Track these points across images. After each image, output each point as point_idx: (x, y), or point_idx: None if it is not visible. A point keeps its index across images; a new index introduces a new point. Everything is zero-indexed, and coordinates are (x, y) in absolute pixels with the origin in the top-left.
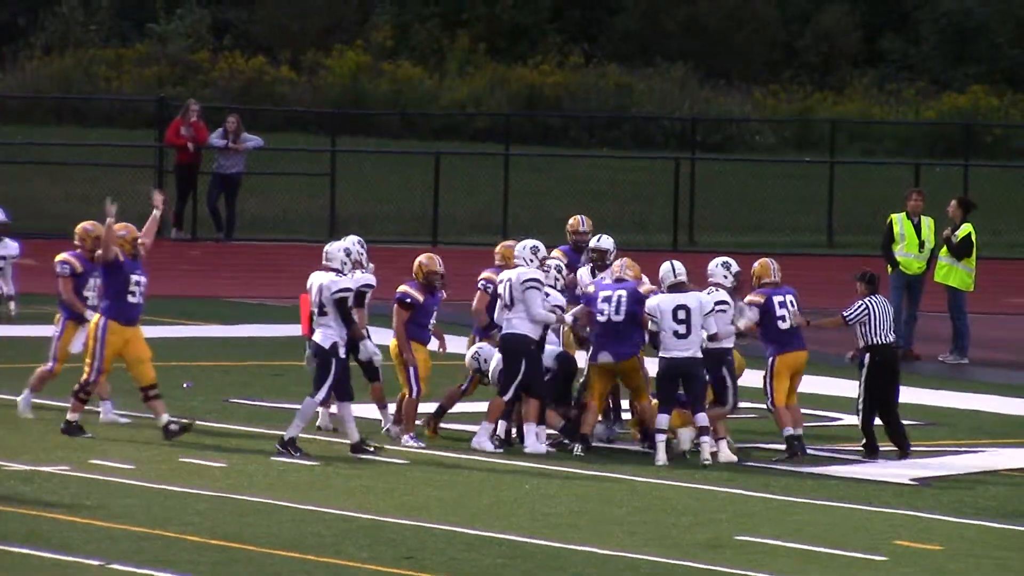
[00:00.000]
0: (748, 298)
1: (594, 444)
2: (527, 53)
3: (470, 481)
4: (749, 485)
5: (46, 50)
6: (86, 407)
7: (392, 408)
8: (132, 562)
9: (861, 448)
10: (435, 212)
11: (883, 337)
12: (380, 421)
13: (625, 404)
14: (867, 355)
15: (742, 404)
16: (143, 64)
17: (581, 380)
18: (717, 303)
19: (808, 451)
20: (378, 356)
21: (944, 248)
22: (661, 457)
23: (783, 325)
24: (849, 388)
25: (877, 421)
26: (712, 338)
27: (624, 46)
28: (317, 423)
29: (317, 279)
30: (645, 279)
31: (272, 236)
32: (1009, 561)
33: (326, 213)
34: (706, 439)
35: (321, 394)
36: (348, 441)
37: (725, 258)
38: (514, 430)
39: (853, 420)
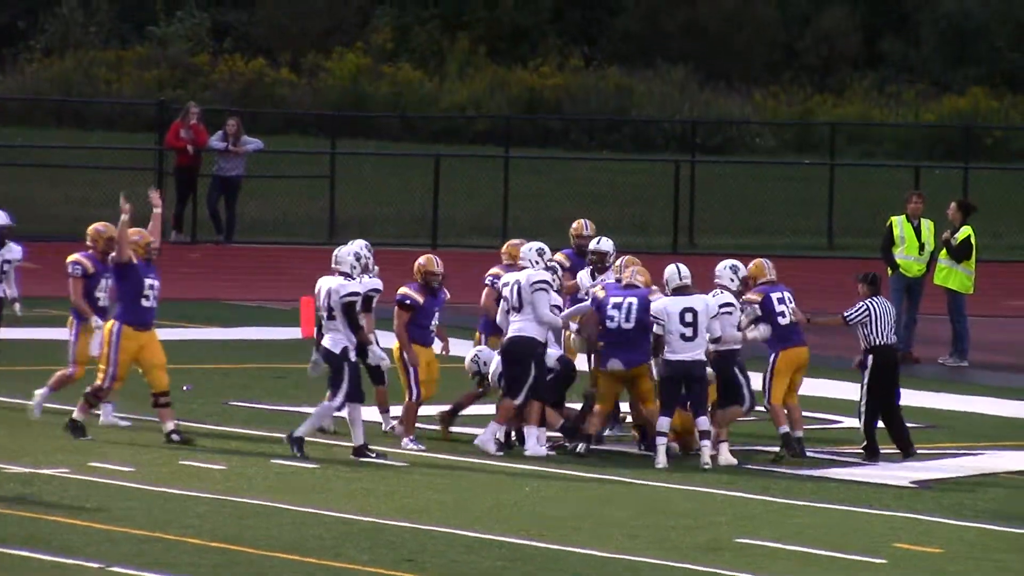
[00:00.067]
0: (745, 296)
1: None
2: (527, 55)
3: (470, 484)
4: (749, 488)
5: (46, 52)
6: (92, 410)
7: (398, 411)
8: (132, 565)
9: (861, 451)
10: (435, 214)
11: (884, 338)
12: (381, 424)
13: (624, 406)
14: (869, 357)
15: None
16: (143, 67)
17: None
18: (723, 305)
19: (808, 454)
20: (385, 361)
21: (944, 251)
22: (661, 460)
23: (783, 321)
24: (849, 391)
25: (879, 424)
26: (715, 341)
27: (624, 47)
28: (384, 428)
29: (325, 283)
30: (655, 288)
31: (272, 239)
32: (1009, 563)
33: (326, 216)
34: (706, 443)
35: (338, 399)
36: (350, 444)
37: (734, 262)
38: (514, 433)
39: (853, 423)
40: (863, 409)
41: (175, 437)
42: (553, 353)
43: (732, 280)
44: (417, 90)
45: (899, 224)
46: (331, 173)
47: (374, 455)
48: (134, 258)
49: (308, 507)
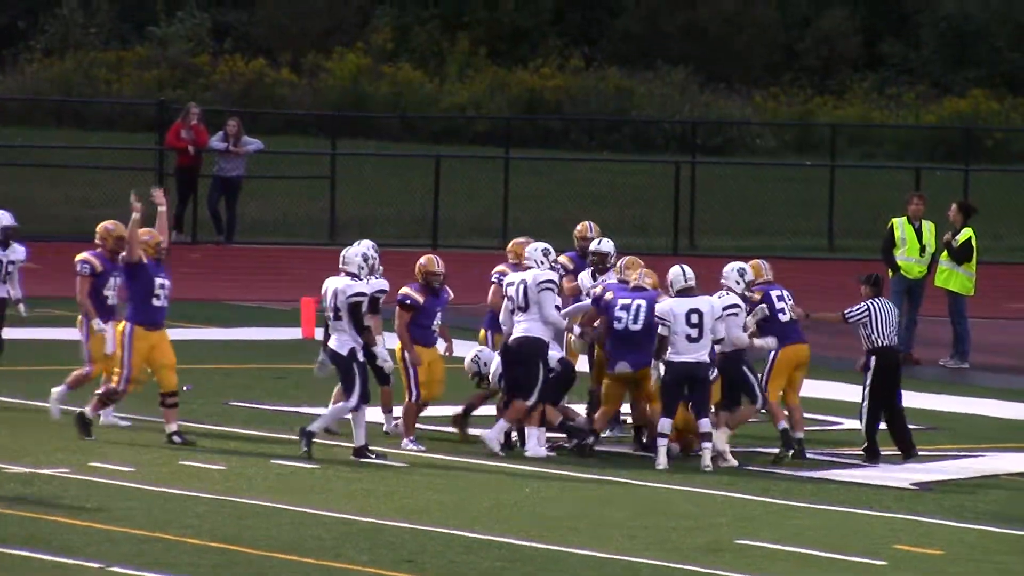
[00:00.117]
0: (744, 294)
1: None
2: (527, 56)
3: (470, 484)
4: (749, 489)
5: (46, 53)
6: (104, 408)
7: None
8: (132, 565)
9: (862, 452)
10: (435, 215)
11: (886, 340)
12: (382, 424)
13: (624, 407)
14: (871, 358)
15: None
16: (143, 67)
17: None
18: (729, 307)
19: (808, 455)
20: (389, 364)
21: (945, 252)
22: (662, 461)
23: (783, 317)
24: (850, 392)
25: (881, 425)
26: (718, 342)
27: (624, 48)
28: (384, 429)
29: (332, 284)
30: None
31: (272, 239)
32: (1009, 565)
33: (326, 216)
34: (707, 445)
35: (354, 400)
36: (350, 444)
37: (741, 264)
38: (515, 433)
39: (853, 425)
40: (864, 411)
41: (176, 439)
42: (554, 355)
43: (738, 283)
44: (417, 91)
45: (900, 226)
46: (331, 174)
47: (374, 456)
48: (144, 258)
49: (308, 507)
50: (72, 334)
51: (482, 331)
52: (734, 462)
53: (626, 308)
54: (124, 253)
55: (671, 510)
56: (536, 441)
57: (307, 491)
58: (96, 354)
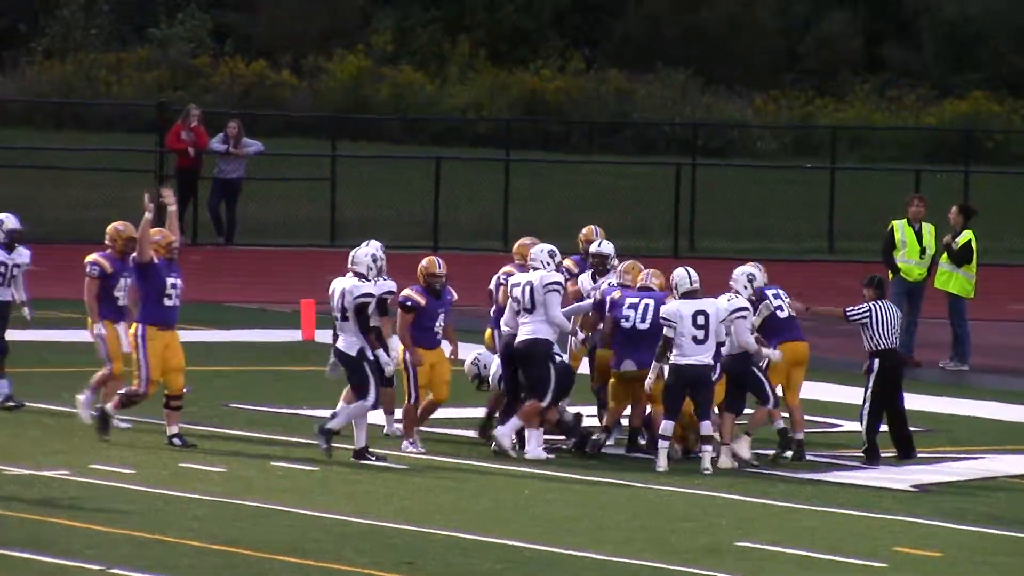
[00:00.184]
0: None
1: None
2: (528, 58)
3: (469, 486)
4: (749, 491)
5: (47, 55)
6: (124, 409)
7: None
8: (132, 567)
9: (861, 454)
10: (435, 217)
11: (888, 342)
12: (383, 426)
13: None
14: (874, 361)
15: (746, 411)
16: (144, 69)
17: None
18: (737, 309)
19: (808, 457)
20: (390, 367)
21: (945, 255)
22: (662, 463)
23: (781, 315)
24: (850, 394)
25: (882, 427)
26: (721, 344)
27: (625, 50)
28: (385, 431)
29: (339, 284)
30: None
31: (273, 241)
32: (1009, 567)
33: (327, 218)
34: (708, 447)
35: (371, 398)
36: (350, 446)
37: (751, 269)
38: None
39: (854, 426)
40: (866, 412)
41: (177, 441)
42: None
43: (745, 287)
44: (418, 92)
45: (900, 228)
46: (332, 175)
47: (374, 458)
48: (155, 258)
49: (307, 509)
50: (75, 336)
51: (488, 331)
52: (735, 464)
53: (634, 307)
54: (135, 253)
55: (671, 512)
56: (536, 443)
57: (307, 493)
58: (113, 352)
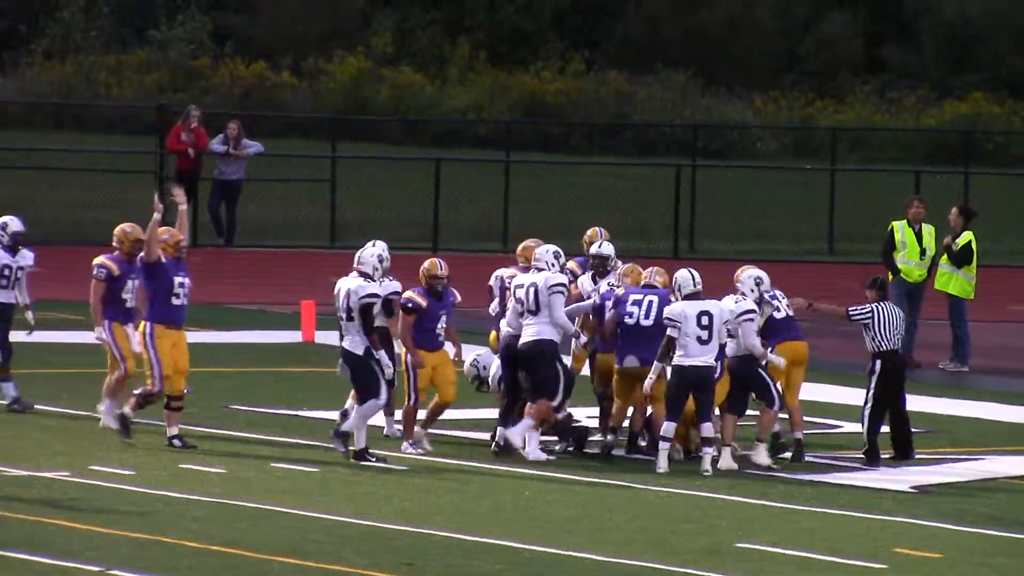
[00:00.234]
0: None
1: (589, 451)
2: (528, 59)
3: (469, 487)
4: (749, 492)
5: (47, 56)
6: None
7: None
8: (132, 568)
9: (862, 455)
10: (435, 219)
11: (891, 344)
12: (383, 427)
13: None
14: (877, 362)
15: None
16: (144, 70)
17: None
18: (745, 312)
19: (808, 458)
20: (390, 369)
21: (945, 256)
22: (662, 464)
23: (778, 315)
24: (849, 395)
25: (883, 428)
26: (721, 345)
27: (625, 51)
28: (385, 432)
29: (345, 284)
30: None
31: (273, 242)
32: (1009, 568)
33: (327, 219)
34: (709, 449)
35: (383, 396)
36: (351, 447)
37: (758, 273)
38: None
39: (854, 428)
40: (867, 413)
41: (176, 442)
42: None
43: (752, 290)
44: (418, 94)
45: (900, 229)
46: (332, 177)
47: (374, 459)
48: (163, 257)
49: (307, 511)
50: (76, 337)
51: (493, 333)
52: (734, 465)
53: (638, 303)
54: (143, 253)
55: (671, 513)
56: (535, 444)
57: (307, 494)
58: (125, 351)
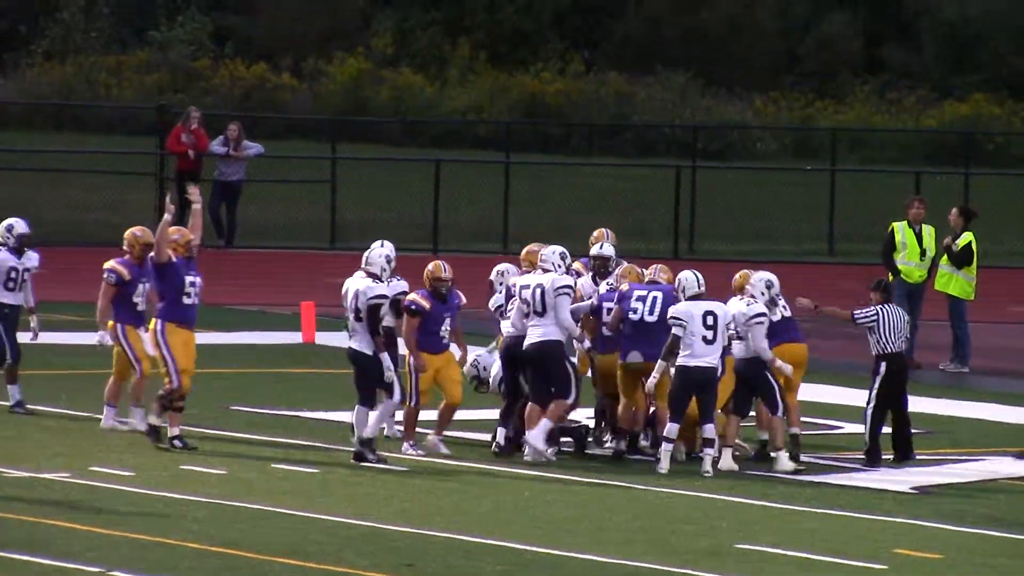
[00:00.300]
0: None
1: (588, 451)
2: (528, 60)
3: (470, 488)
4: (749, 493)
5: (47, 57)
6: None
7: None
8: (132, 569)
9: (862, 456)
10: (435, 220)
11: (895, 345)
12: (383, 428)
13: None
14: (881, 364)
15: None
16: (144, 71)
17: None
18: (756, 315)
19: (809, 459)
20: (390, 372)
21: (945, 256)
22: (664, 465)
23: (775, 318)
24: (850, 396)
25: (885, 429)
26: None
27: (625, 52)
28: (385, 433)
29: (353, 284)
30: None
31: (273, 243)
32: (1009, 569)
33: (327, 220)
34: (710, 450)
35: (396, 396)
36: (351, 448)
37: (769, 276)
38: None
39: (854, 429)
40: (870, 414)
41: (177, 443)
42: None
43: (763, 294)
44: (418, 95)
45: (900, 230)
46: (332, 178)
47: (373, 459)
48: (173, 257)
49: (308, 512)
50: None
51: (498, 335)
52: (735, 466)
53: (642, 299)
54: (152, 254)
55: (671, 514)
56: (543, 436)
57: (307, 495)
58: (140, 353)
